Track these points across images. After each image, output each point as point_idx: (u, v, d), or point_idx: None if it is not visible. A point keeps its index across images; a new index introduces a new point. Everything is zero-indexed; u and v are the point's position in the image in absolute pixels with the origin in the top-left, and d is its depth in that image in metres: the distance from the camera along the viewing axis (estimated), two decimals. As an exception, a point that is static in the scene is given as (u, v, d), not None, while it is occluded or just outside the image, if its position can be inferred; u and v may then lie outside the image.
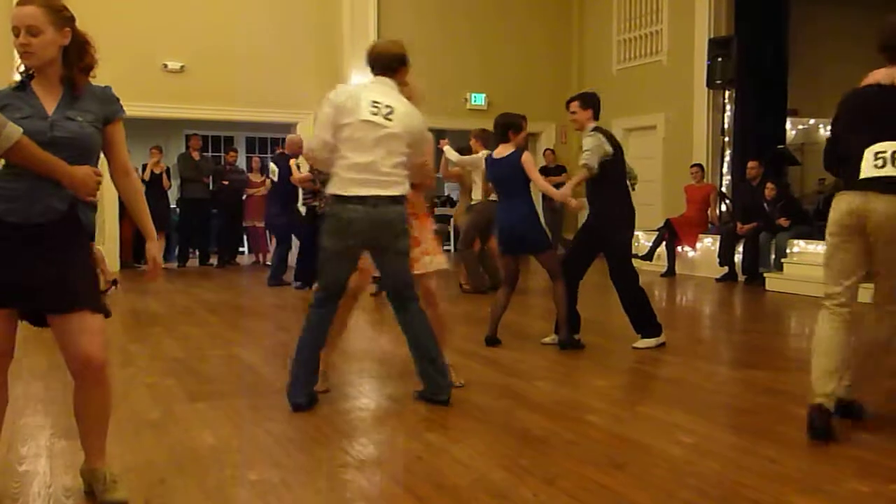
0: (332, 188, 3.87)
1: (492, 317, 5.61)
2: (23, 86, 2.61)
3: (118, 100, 2.73)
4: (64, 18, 2.59)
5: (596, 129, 5.49)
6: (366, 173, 3.78)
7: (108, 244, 11.00)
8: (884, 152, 3.40)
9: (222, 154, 14.09)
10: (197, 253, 12.19)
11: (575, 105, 5.58)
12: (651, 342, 5.50)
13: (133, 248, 11.11)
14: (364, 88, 3.94)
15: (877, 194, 3.36)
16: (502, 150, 5.45)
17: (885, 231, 3.35)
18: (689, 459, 3.20)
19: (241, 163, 14.07)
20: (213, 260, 12.07)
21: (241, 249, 12.98)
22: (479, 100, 12.99)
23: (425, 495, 2.82)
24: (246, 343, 5.85)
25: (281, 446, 3.36)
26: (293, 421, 3.76)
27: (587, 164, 5.33)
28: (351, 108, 3.80)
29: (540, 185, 5.43)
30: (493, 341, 5.54)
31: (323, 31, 12.11)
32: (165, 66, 10.80)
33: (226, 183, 11.91)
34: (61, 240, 2.58)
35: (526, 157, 5.36)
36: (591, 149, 5.36)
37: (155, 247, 2.87)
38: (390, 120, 3.83)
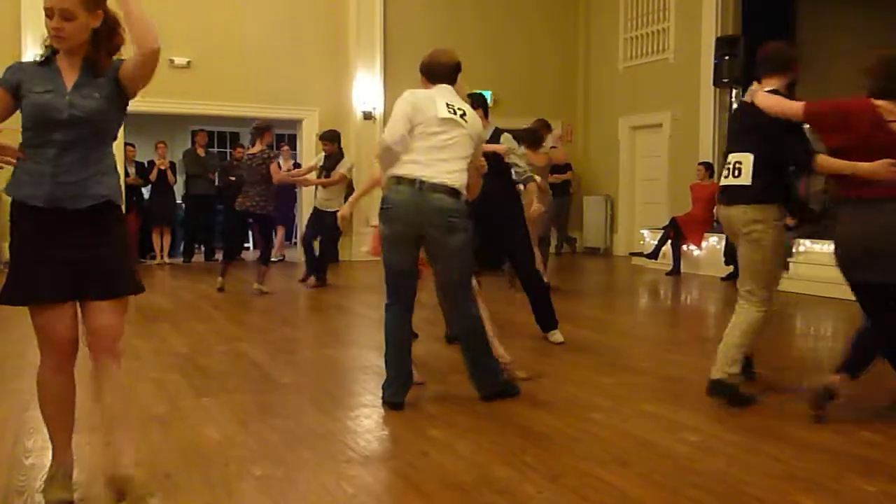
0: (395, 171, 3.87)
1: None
2: (48, 61, 2.62)
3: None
4: (96, 1, 2.58)
5: (497, 129, 5.53)
6: (425, 156, 3.84)
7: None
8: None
9: (228, 150, 14.12)
10: (202, 248, 12.21)
11: None
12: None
13: (139, 243, 11.13)
14: (437, 93, 3.97)
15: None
16: None
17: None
18: (693, 457, 3.20)
19: (247, 159, 14.08)
20: (219, 255, 12.09)
21: (246, 245, 13.01)
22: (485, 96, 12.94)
23: (430, 491, 2.83)
24: (251, 339, 5.86)
25: (286, 442, 3.37)
26: (298, 417, 3.77)
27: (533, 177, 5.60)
28: (426, 108, 3.87)
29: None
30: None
31: (329, 26, 12.12)
32: (172, 61, 10.81)
33: (232, 179, 11.93)
34: (92, 223, 2.58)
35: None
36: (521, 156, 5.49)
37: None
38: (465, 121, 3.94)
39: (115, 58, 2.67)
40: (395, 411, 3.86)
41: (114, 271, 2.63)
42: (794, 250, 9.15)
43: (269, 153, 8.14)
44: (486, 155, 4.70)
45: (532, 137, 8.22)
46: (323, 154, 8.85)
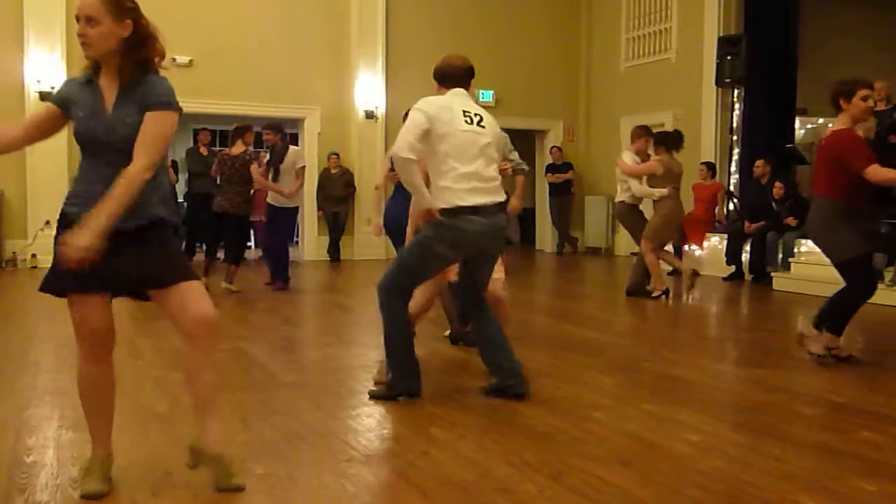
0: (443, 200, 3.85)
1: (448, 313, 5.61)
2: (90, 81, 2.64)
3: (164, 92, 2.62)
4: (124, 9, 2.58)
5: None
6: (474, 182, 3.85)
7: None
8: None
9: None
10: (204, 247, 12.20)
11: None
12: None
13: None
14: (453, 100, 3.95)
15: None
16: None
17: None
18: (694, 457, 3.19)
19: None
20: (220, 254, 12.09)
21: (247, 244, 13.01)
22: (486, 97, 12.98)
23: (430, 490, 2.83)
24: (252, 337, 5.86)
25: (287, 440, 3.37)
26: (299, 415, 3.77)
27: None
28: (448, 119, 3.84)
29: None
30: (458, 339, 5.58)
31: (331, 25, 12.13)
32: (174, 60, 10.80)
33: (234, 178, 11.94)
34: (139, 241, 2.63)
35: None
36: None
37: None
38: (483, 127, 3.92)
39: (154, 76, 2.66)
40: (396, 409, 3.86)
41: (158, 266, 2.64)
42: (795, 250, 9.17)
43: (252, 154, 8.06)
44: None
45: (674, 141, 8.11)
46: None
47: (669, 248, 8.14)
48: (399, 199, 5.26)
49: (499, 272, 4.48)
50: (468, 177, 3.82)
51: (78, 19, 2.55)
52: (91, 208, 2.51)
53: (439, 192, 3.85)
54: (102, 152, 2.60)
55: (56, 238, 2.61)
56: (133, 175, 2.53)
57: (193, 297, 2.68)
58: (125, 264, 2.61)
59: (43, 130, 2.68)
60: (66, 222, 2.60)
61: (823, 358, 4.89)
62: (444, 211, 3.83)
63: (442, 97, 3.99)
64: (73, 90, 2.65)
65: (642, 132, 8.23)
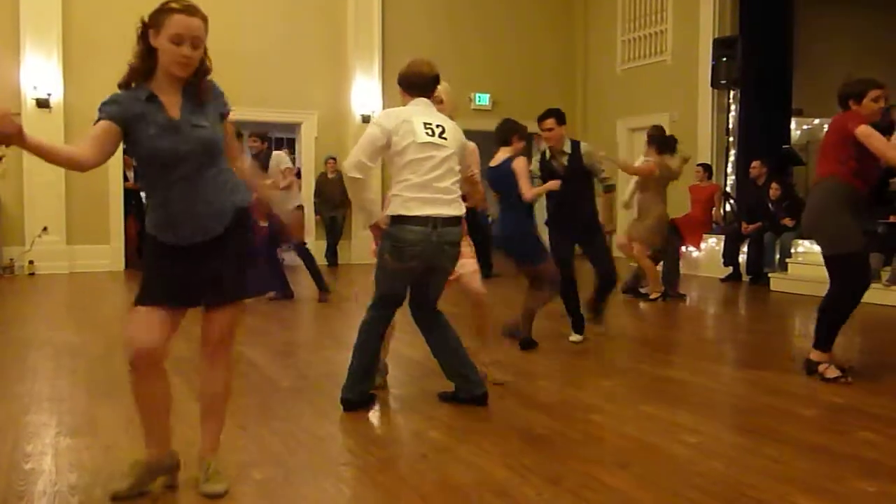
0: (391, 208, 3.82)
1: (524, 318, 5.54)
2: (152, 97, 2.61)
3: (223, 94, 2.79)
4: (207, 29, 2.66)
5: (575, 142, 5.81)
6: (425, 192, 3.77)
7: (113, 243, 11.04)
8: None
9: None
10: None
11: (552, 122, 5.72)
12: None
13: (137, 248, 11.12)
14: (413, 112, 3.89)
15: None
16: (498, 157, 5.35)
17: None
18: (693, 459, 3.20)
19: (246, 162, 14.11)
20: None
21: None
22: (483, 100, 12.98)
23: (429, 494, 2.83)
24: (251, 342, 5.85)
25: (286, 445, 3.37)
26: (298, 420, 3.77)
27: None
28: (404, 133, 3.78)
29: (524, 191, 5.15)
30: (528, 343, 5.52)
31: (328, 30, 12.13)
32: (170, 65, 10.82)
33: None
34: (217, 248, 2.70)
35: (517, 162, 5.20)
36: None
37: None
38: (445, 139, 3.84)
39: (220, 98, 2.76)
40: (394, 413, 3.86)
41: (224, 280, 2.73)
42: (792, 251, 9.18)
43: None
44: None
45: (668, 144, 8.24)
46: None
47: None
48: (510, 213, 5.29)
49: (472, 265, 4.36)
50: (419, 187, 3.75)
51: (181, 39, 2.54)
52: (190, 229, 2.64)
53: (391, 200, 3.82)
54: (176, 167, 2.61)
55: (146, 256, 2.76)
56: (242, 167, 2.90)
57: (219, 318, 2.78)
58: (204, 272, 2.70)
59: (106, 151, 2.58)
60: (162, 248, 2.69)
61: (842, 378, 4.49)
62: (390, 219, 3.80)
63: (402, 109, 3.91)
64: (135, 107, 2.58)
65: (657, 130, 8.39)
